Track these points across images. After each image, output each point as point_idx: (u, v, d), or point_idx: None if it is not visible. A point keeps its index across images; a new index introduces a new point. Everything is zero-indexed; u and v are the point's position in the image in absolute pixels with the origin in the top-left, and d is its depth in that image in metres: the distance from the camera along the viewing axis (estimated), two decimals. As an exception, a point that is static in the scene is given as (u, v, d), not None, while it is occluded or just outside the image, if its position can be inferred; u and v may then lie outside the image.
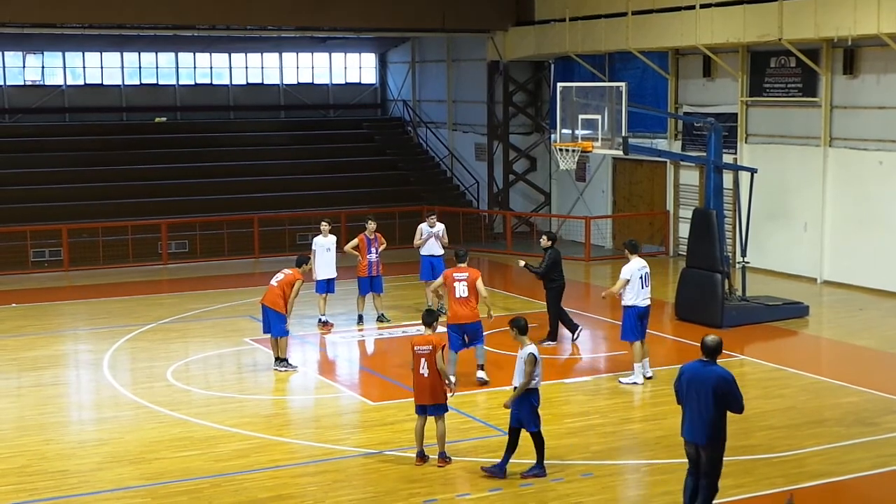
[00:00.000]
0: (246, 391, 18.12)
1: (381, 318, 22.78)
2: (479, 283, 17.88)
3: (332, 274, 22.47)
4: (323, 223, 22.71)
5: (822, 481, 13.74)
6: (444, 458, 14.14)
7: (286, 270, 19.16)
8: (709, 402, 11.72)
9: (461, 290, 17.77)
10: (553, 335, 20.75)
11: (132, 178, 35.19)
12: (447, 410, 14.26)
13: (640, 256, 18.43)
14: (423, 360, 14.03)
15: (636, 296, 18.12)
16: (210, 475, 14.07)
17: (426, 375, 14.03)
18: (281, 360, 19.05)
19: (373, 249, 22.47)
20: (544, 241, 20.69)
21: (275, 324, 18.95)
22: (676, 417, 16.06)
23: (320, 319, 22.30)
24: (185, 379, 18.80)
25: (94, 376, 19.18)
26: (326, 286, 22.42)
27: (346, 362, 20.63)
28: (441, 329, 21.41)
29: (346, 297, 24.09)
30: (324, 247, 22.42)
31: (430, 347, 13.99)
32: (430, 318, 14.46)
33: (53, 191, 33.80)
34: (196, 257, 31.77)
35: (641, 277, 18.13)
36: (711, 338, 11.98)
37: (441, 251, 23.27)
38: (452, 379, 14.41)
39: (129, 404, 17.27)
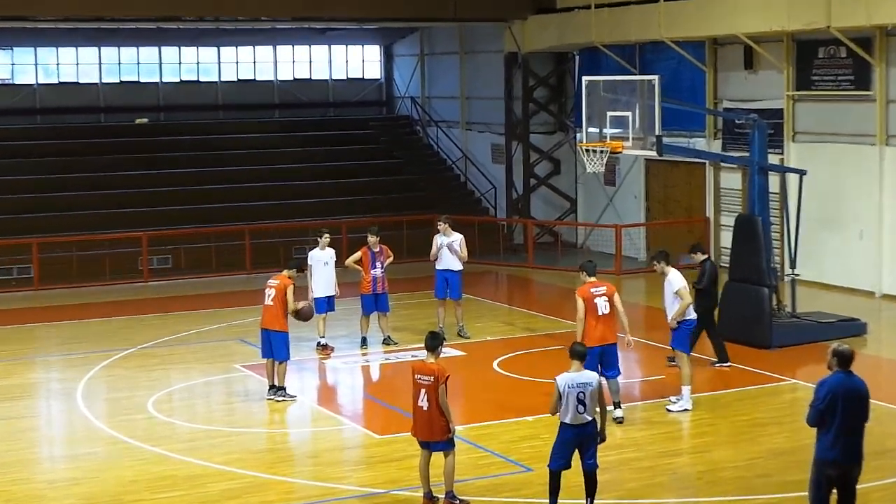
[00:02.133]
0: (236, 424, 17.96)
1: (387, 341, 22.57)
2: (617, 299, 17.26)
3: (332, 291, 22.23)
4: (319, 235, 22.46)
5: (888, 520, 13.52)
6: (451, 500, 13.76)
7: (272, 282, 18.94)
8: (862, 415, 11.86)
9: (603, 305, 17.06)
10: (723, 354, 20.48)
11: (110, 186, 35.15)
12: (454, 446, 13.84)
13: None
14: (422, 390, 13.55)
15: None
16: (195, 519, 13.91)
17: (425, 409, 13.55)
18: (278, 389, 18.85)
19: (377, 264, 22.26)
20: (698, 256, 20.16)
21: (277, 345, 18.78)
22: (720, 450, 16.00)
23: (319, 342, 22.10)
24: (168, 410, 18.65)
25: (67, 407, 19.04)
26: (326, 305, 22.19)
27: (348, 390, 20.50)
28: (449, 353, 21.28)
29: (349, 318, 23.93)
30: (321, 261, 22.13)
31: (432, 378, 13.48)
32: (433, 343, 13.75)
33: (22, 200, 33.76)
34: (181, 273, 31.67)
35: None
36: (846, 346, 11.93)
37: (459, 266, 22.97)
38: (454, 427, 13.78)
39: (105, 439, 17.11)
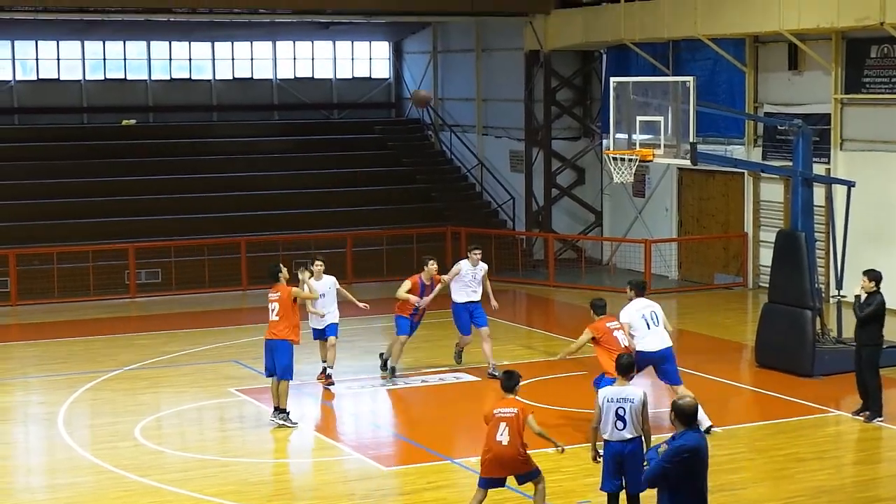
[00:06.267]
0: (231, 453, 18.07)
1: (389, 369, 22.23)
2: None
3: (332, 319, 21.46)
4: (317, 262, 21.42)
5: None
6: None
7: (272, 295, 19.13)
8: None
9: (623, 339, 17.82)
10: (879, 407, 19.29)
11: (94, 194, 35.29)
12: (539, 472, 14.19)
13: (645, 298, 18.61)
14: (503, 423, 13.93)
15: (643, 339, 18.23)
16: (187, 556, 14.07)
17: (504, 443, 13.90)
18: (280, 412, 19.06)
19: (424, 297, 21.73)
20: (866, 283, 19.39)
21: (280, 359, 18.90)
22: (757, 488, 16.10)
23: (325, 369, 21.76)
24: (157, 437, 18.78)
25: (47, 434, 19.16)
26: (323, 333, 21.55)
27: (352, 418, 20.55)
28: (462, 378, 21.42)
29: (353, 339, 24.00)
30: (319, 292, 21.06)
31: (516, 411, 13.92)
32: (510, 383, 14.26)
33: (-1, 208, 33.94)
34: (171, 289, 31.79)
35: (645, 318, 18.25)
36: (689, 401, 11.57)
37: (478, 297, 22.39)
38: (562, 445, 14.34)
39: (88, 468, 17.24)
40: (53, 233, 33.04)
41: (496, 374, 21.52)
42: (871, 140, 28.26)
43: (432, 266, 21.70)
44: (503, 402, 14.14)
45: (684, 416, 11.26)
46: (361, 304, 21.98)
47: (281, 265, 19.56)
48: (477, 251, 22.49)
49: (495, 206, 38.74)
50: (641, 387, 14.21)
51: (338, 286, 21.59)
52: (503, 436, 13.90)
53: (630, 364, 14.16)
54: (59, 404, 20.66)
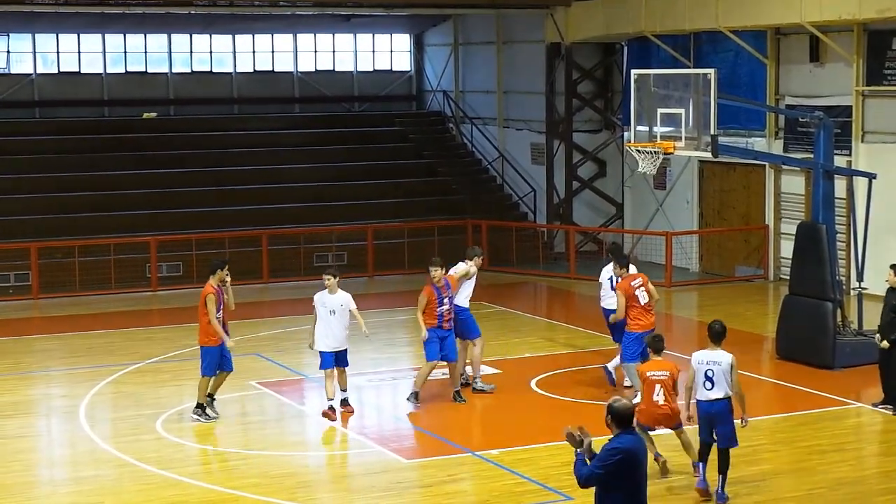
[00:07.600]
0: (252, 446, 18.18)
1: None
2: (651, 286, 19.83)
3: (342, 344, 19.29)
4: (326, 274, 19.30)
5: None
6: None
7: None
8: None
9: (643, 296, 19.53)
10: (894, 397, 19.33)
11: (115, 187, 35.39)
12: (682, 424, 15.79)
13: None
14: (658, 385, 15.45)
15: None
16: (208, 548, 14.14)
17: (661, 403, 15.52)
18: (196, 406, 19.14)
19: (444, 300, 19.64)
20: (892, 277, 19.02)
21: (202, 359, 19.17)
22: (779, 479, 16.13)
23: (331, 406, 19.39)
24: (179, 430, 18.84)
25: (69, 427, 19.27)
26: (333, 360, 19.33)
27: (373, 411, 20.58)
28: (485, 370, 21.40)
29: (374, 332, 24.05)
30: (327, 308, 19.13)
31: (668, 373, 15.48)
32: (660, 345, 15.86)
33: (19, 201, 34.06)
34: (192, 282, 31.76)
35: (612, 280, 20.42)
36: (624, 403, 11.40)
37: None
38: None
39: (110, 461, 17.33)
40: (75, 226, 33.17)
41: (484, 387, 20.66)
42: (892, 132, 28.20)
43: (436, 272, 19.58)
44: (656, 364, 15.68)
45: (619, 418, 11.31)
46: (365, 332, 19.47)
47: (225, 269, 19.13)
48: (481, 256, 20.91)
49: (516, 199, 38.77)
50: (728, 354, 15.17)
51: (352, 306, 19.34)
52: (659, 396, 15.52)
53: (719, 330, 15.26)
54: (80, 397, 20.78)
